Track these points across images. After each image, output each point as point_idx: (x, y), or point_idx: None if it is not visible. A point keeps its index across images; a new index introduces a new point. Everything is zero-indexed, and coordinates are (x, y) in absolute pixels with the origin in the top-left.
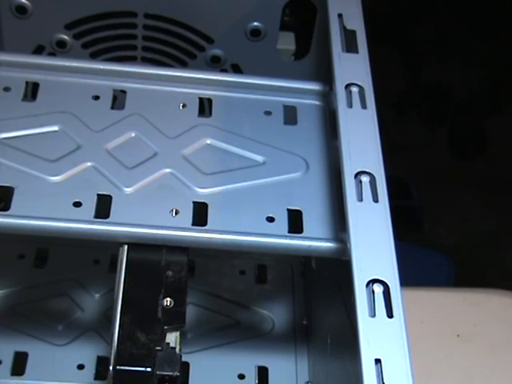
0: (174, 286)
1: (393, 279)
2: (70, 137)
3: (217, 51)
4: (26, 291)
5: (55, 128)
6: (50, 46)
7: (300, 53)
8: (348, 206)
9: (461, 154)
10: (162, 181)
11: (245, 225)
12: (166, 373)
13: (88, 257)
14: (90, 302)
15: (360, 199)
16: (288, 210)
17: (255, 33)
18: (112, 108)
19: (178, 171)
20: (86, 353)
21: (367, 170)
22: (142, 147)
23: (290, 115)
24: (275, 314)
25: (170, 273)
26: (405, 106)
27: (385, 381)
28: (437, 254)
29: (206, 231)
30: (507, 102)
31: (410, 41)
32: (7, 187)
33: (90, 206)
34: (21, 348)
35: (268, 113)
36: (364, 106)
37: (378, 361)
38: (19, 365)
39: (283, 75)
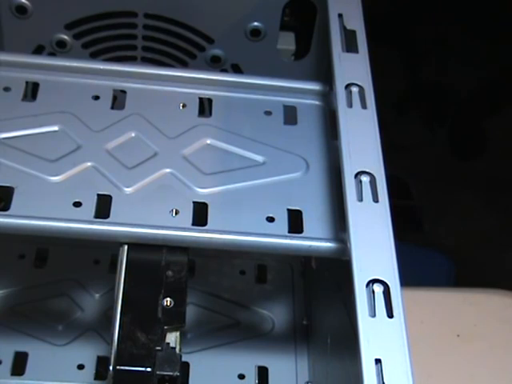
0: (174, 286)
1: (393, 279)
2: (69, 137)
3: (217, 51)
4: (25, 291)
5: (55, 128)
6: (50, 45)
7: (300, 53)
8: (348, 205)
9: (461, 154)
10: (162, 181)
11: (245, 225)
12: (166, 373)
13: (88, 257)
14: (90, 302)
15: (360, 199)
16: (288, 209)
17: (255, 33)
18: (112, 108)
19: (178, 171)
20: (86, 353)
21: (367, 170)
22: (142, 147)
23: (290, 115)
24: (275, 314)
25: (170, 273)
26: (405, 105)
27: (385, 381)
28: (437, 254)
29: (206, 231)
30: (507, 102)
31: (410, 41)
32: (7, 187)
33: (89, 206)
34: (21, 348)
35: (268, 113)
36: (364, 105)
37: (378, 361)
38: (19, 365)
39: (283, 75)
